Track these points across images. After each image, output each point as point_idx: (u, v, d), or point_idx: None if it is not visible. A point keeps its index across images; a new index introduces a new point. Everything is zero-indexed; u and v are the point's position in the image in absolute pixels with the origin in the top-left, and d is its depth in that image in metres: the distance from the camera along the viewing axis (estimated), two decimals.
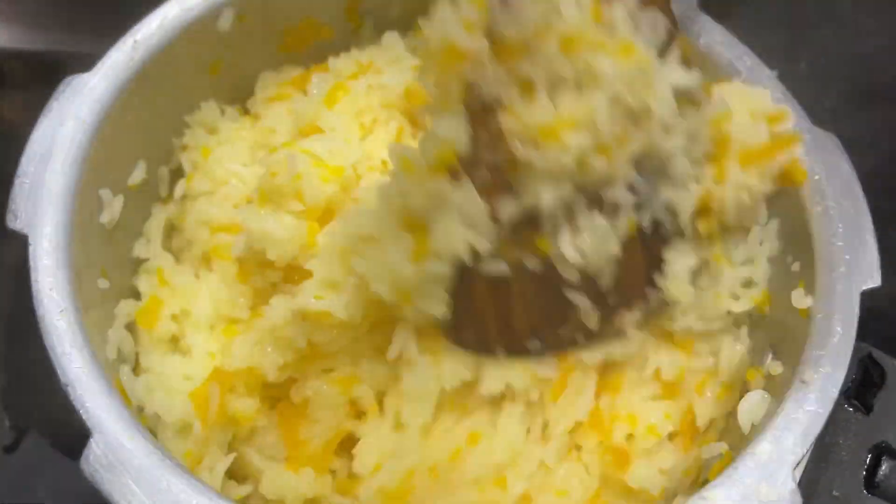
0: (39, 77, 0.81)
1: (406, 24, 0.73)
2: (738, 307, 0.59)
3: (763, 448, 0.48)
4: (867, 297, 0.55)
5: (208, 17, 0.65)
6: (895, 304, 0.83)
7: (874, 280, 0.54)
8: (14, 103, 0.83)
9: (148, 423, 0.57)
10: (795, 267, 0.58)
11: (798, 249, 0.58)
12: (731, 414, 0.57)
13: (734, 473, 0.48)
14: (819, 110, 1.05)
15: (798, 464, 0.48)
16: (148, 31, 0.63)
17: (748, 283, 0.60)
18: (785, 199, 0.60)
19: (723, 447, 0.55)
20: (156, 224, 0.66)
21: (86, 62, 0.62)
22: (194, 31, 0.64)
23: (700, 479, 0.56)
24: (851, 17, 1.13)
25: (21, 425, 0.70)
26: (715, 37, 0.65)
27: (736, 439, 0.55)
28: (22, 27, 0.77)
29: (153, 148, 0.67)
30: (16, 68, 0.82)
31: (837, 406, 0.55)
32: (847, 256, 0.55)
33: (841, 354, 0.51)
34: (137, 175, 0.65)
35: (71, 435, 0.49)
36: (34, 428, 0.71)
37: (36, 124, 0.58)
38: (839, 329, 0.52)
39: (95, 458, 0.46)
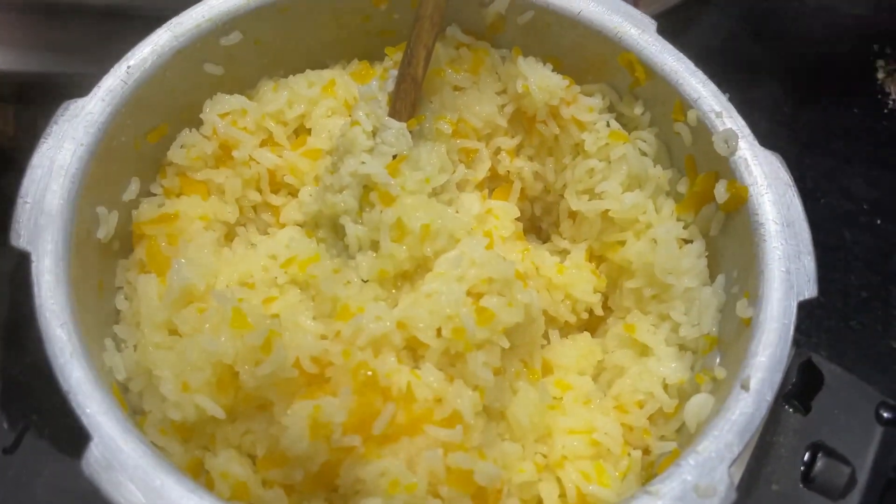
0: (33, 97, 0.85)
1: None
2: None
3: (703, 446, 0.53)
4: (808, 307, 0.60)
5: (199, 44, 0.69)
6: (836, 313, 0.89)
7: (811, 292, 0.59)
8: (8, 121, 0.87)
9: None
10: (741, 279, 0.63)
11: (743, 263, 0.63)
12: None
13: (677, 470, 0.53)
14: (779, 114, 1.11)
15: (735, 461, 0.53)
16: (140, 57, 0.67)
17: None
18: (733, 217, 0.65)
19: (672, 446, 0.60)
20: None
21: (76, 83, 0.66)
22: (184, 57, 0.68)
23: (651, 473, 0.61)
24: (810, 24, 1.18)
25: (20, 427, 0.74)
26: (672, 62, 0.69)
27: (685, 439, 0.60)
28: (16, 50, 0.81)
29: (146, 165, 0.71)
30: (10, 88, 0.86)
31: (778, 407, 0.60)
32: (785, 270, 0.59)
33: (777, 361, 0.56)
34: (132, 191, 0.69)
35: (68, 435, 0.53)
36: (33, 429, 0.75)
37: (36, 147, 0.62)
38: (776, 337, 0.57)
39: (95, 460, 0.50)
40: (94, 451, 0.50)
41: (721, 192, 0.65)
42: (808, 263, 0.60)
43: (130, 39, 0.68)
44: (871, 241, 1.00)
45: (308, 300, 0.65)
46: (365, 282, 0.65)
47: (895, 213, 1.02)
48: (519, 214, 0.74)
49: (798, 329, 0.58)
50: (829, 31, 1.18)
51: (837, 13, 1.20)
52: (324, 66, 0.77)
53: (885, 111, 1.12)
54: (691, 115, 0.68)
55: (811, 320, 0.85)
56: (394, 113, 0.68)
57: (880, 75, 1.15)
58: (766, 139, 0.66)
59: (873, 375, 0.84)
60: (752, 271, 0.61)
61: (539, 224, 0.80)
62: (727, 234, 0.66)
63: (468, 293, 0.60)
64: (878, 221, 1.02)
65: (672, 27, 0.72)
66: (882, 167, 1.06)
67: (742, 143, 0.65)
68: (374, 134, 0.68)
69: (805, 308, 0.58)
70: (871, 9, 1.20)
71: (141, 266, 0.67)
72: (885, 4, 1.21)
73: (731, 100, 0.68)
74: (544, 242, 0.79)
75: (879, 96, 1.13)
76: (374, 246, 0.65)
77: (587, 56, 0.73)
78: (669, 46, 0.70)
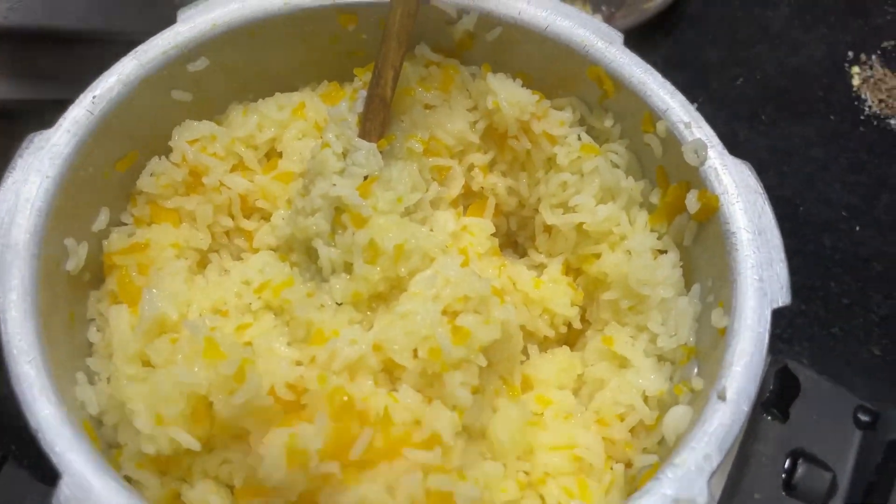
0: None
1: None
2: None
3: (682, 459, 0.53)
4: (789, 315, 0.60)
5: (166, 72, 0.69)
6: (818, 321, 0.89)
7: (785, 299, 0.59)
8: None
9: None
10: (716, 288, 0.63)
11: (717, 272, 0.63)
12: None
13: (656, 484, 0.52)
14: (757, 123, 1.13)
15: (714, 473, 0.52)
16: (106, 87, 0.66)
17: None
18: (705, 226, 0.66)
19: (654, 458, 0.60)
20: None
21: (41, 109, 0.65)
22: (151, 85, 0.68)
23: (634, 486, 0.60)
24: (784, 32, 1.20)
25: None
26: (640, 74, 0.69)
27: (666, 451, 0.59)
28: None
29: (116, 195, 0.70)
30: None
31: (757, 415, 0.60)
32: (758, 278, 0.60)
33: (752, 370, 0.56)
34: (101, 221, 0.68)
35: (49, 465, 0.52)
36: (12, 459, 0.73)
37: (0, 181, 0.61)
38: (751, 346, 0.57)
39: (66, 498, 0.49)
40: (65, 490, 0.50)
41: (692, 201, 0.65)
42: (781, 271, 0.60)
43: (98, 64, 0.67)
44: (850, 247, 1.00)
45: (282, 325, 0.64)
46: (339, 305, 0.64)
47: (874, 219, 1.03)
48: (494, 230, 0.74)
49: (780, 338, 0.58)
50: (803, 39, 1.20)
51: (811, 21, 1.21)
52: (293, 89, 0.77)
53: (862, 118, 1.13)
54: (660, 126, 0.68)
55: (793, 329, 0.85)
56: (364, 133, 0.67)
57: (856, 82, 1.16)
58: (744, 148, 0.66)
59: (856, 382, 0.84)
60: (725, 280, 0.61)
61: (515, 239, 0.80)
62: (700, 243, 0.67)
63: (444, 312, 0.60)
64: (857, 228, 1.02)
65: (646, 41, 0.72)
66: (860, 173, 1.07)
67: (711, 153, 0.65)
68: (344, 155, 0.67)
69: (786, 316, 0.59)
70: (844, 16, 1.22)
71: (112, 297, 0.66)
72: (858, 11, 1.22)
73: (701, 109, 0.68)
74: (521, 257, 0.79)
75: (856, 103, 1.14)
76: (348, 268, 0.65)
77: (556, 70, 0.74)
78: (637, 59, 0.70)
